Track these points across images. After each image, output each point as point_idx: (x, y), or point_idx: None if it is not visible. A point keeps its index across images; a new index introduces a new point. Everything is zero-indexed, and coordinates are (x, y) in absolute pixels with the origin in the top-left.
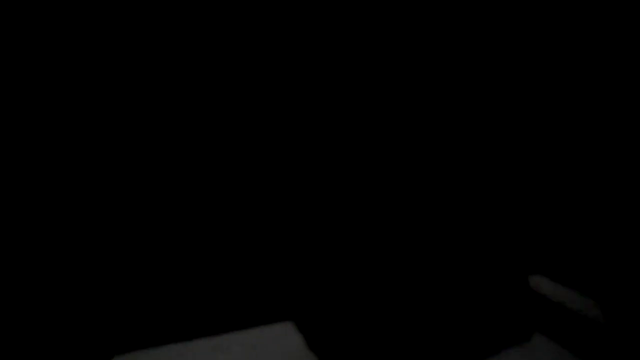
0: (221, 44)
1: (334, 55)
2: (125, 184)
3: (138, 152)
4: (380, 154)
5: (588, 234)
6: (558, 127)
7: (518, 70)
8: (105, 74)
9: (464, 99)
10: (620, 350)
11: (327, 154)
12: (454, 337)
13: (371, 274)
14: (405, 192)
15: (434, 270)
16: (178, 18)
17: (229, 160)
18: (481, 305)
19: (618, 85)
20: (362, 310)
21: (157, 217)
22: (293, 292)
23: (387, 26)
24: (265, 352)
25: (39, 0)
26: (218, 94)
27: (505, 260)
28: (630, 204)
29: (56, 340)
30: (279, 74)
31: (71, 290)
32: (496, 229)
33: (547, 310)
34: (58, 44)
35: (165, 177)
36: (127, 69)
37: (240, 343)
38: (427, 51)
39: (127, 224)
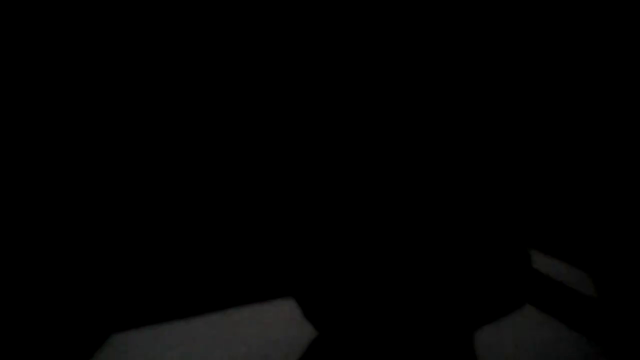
0: (221, 44)
1: (333, 56)
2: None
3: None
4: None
5: (582, 208)
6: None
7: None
8: (105, 74)
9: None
10: (611, 323)
11: (323, 150)
12: (448, 307)
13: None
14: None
15: (428, 239)
16: (178, 18)
17: (225, 153)
18: (477, 275)
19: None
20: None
21: (160, 196)
22: (294, 271)
23: (383, 26)
24: (267, 322)
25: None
26: (218, 93)
27: (503, 233)
28: (626, 182)
29: (53, 318)
30: (278, 74)
31: (69, 267)
32: (496, 202)
33: (539, 282)
34: (58, 44)
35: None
36: (128, 69)
37: (243, 317)
38: (424, 51)
39: (130, 201)
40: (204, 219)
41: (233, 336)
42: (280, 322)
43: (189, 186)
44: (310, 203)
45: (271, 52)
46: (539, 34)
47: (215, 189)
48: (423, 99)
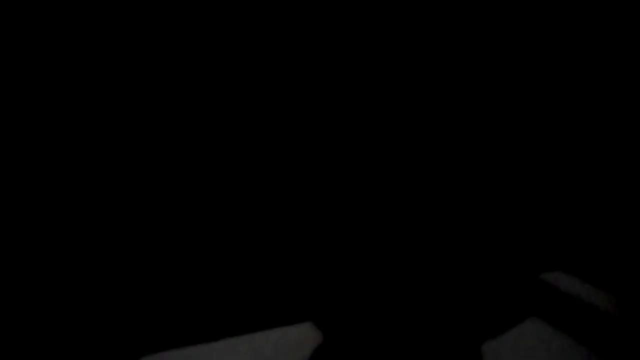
0: (220, 44)
1: (332, 56)
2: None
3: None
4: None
5: (604, 230)
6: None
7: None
8: (105, 74)
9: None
10: (633, 343)
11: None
12: (454, 317)
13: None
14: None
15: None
16: (178, 18)
17: (227, 162)
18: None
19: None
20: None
21: (169, 221)
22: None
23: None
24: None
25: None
26: (217, 94)
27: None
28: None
29: (83, 341)
30: (276, 74)
31: (95, 292)
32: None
33: (564, 304)
34: (58, 44)
35: (163, 182)
36: (127, 69)
37: (263, 341)
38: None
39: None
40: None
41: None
42: (303, 344)
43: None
44: (311, 205)
45: (271, 52)
46: (539, 34)
47: (215, 190)
48: (422, 99)
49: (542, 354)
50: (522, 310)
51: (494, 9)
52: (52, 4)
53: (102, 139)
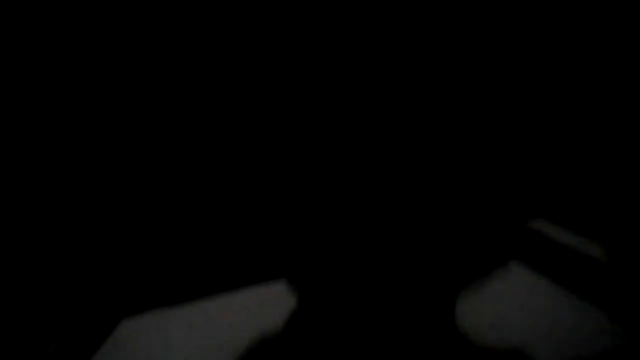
0: (220, 45)
1: (330, 57)
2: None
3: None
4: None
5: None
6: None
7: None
8: (105, 74)
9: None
10: (620, 287)
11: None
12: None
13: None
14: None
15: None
16: (178, 18)
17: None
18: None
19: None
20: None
21: (161, 186)
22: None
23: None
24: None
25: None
26: (217, 94)
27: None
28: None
29: (64, 302)
30: (277, 74)
31: (76, 255)
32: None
33: (547, 248)
34: (58, 44)
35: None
36: (128, 70)
37: (242, 299)
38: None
39: (131, 190)
40: (203, 213)
41: (235, 319)
42: (279, 304)
43: (188, 180)
44: (307, 200)
45: (271, 52)
46: (538, 34)
47: (214, 183)
48: (421, 99)
49: (520, 296)
50: (501, 255)
51: (493, 9)
52: (52, 4)
53: (100, 136)
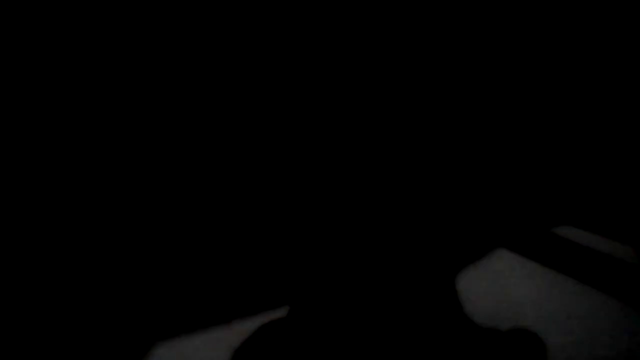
0: (220, 45)
1: (329, 58)
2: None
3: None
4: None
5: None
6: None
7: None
8: (105, 74)
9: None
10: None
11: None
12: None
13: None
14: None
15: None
16: (178, 19)
17: (222, 163)
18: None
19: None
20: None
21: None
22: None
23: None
24: None
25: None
26: (217, 94)
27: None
28: None
29: (94, 327)
30: (277, 74)
31: (110, 278)
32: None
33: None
34: (58, 44)
35: (164, 180)
36: (128, 70)
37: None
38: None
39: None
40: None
41: None
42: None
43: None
44: (306, 201)
45: (270, 52)
46: (538, 34)
47: (215, 189)
48: (421, 98)
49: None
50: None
51: (492, 9)
52: (52, 4)
53: (99, 135)
